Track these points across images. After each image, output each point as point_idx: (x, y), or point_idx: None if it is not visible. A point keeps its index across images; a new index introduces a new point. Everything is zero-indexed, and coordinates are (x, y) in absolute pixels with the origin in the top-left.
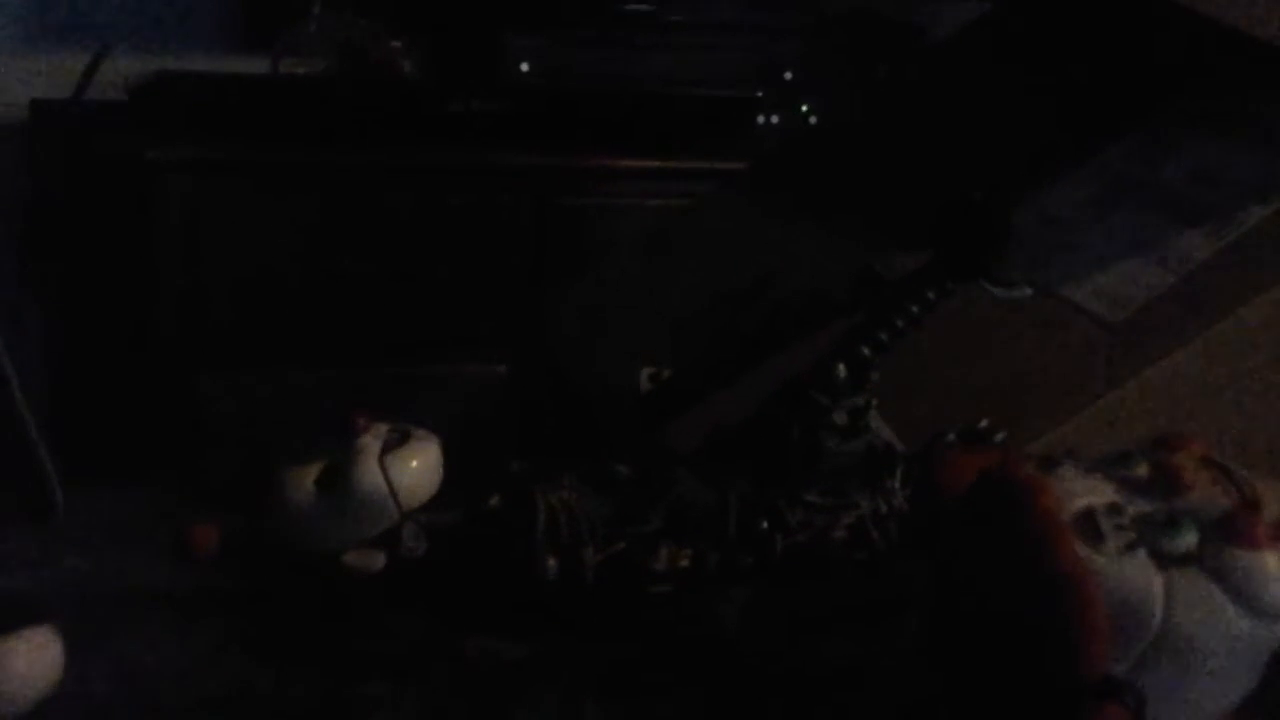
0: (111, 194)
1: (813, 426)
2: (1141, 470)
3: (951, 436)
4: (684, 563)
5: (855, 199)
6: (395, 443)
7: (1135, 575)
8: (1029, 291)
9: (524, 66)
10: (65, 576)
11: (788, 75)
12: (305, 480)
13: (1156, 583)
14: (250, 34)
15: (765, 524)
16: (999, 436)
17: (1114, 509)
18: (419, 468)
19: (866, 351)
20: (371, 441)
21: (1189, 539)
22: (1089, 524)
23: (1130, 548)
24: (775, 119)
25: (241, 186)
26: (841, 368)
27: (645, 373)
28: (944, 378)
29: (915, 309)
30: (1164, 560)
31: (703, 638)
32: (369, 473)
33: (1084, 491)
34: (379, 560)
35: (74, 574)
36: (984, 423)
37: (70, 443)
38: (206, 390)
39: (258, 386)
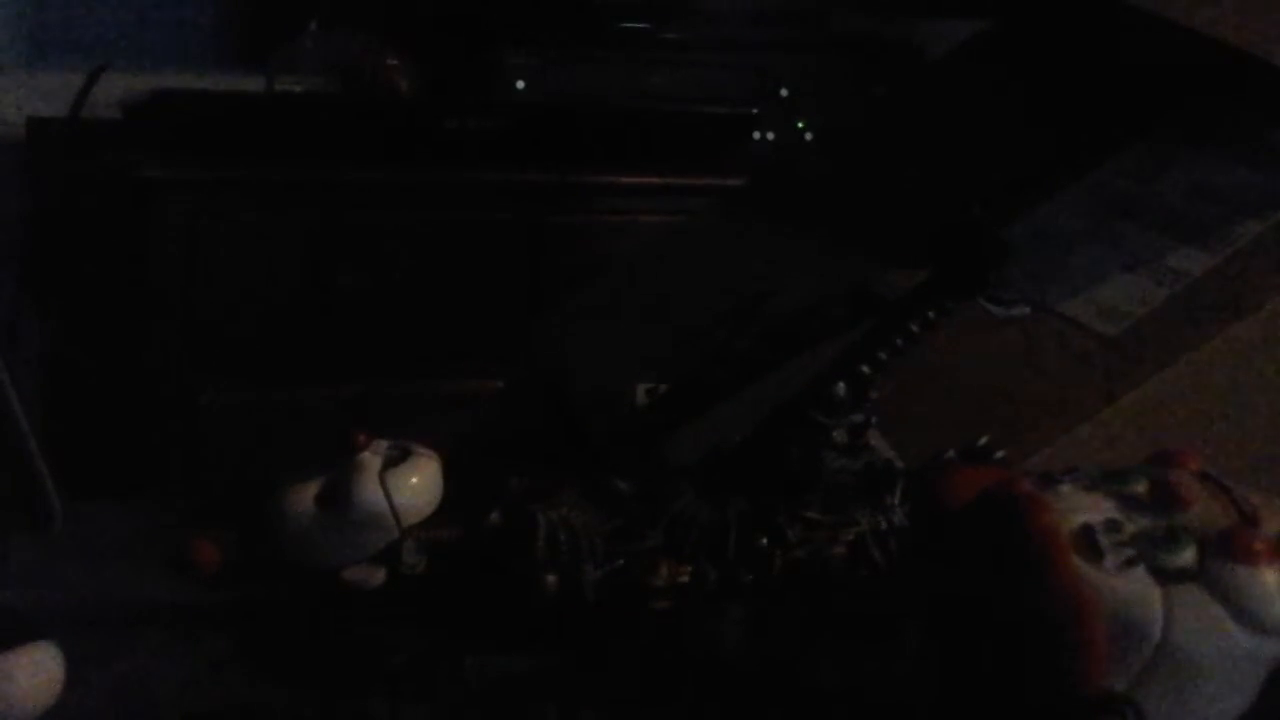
0: (109, 212)
1: (813, 444)
2: (1140, 486)
3: (951, 454)
4: (684, 579)
5: (853, 216)
6: (395, 459)
7: (1134, 591)
8: (1027, 310)
9: (520, 84)
10: (66, 592)
11: (784, 92)
12: (305, 497)
13: (1155, 598)
14: (246, 52)
15: (765, 540)
16: (999, 454)
17: (1113, 525)
18: (419, 484)
19: (866, 370)
20: (371, 458)
21: (1188, 555)
22: (1088, 540)
23: (1129, 564)
24: (772, 136)
25: (238, 204)
26: (841, 386)
27: (642, 389)
28: (942, 393)
29: (914, 327)
30: (1163, 576)
31: (702, 654)
32: (369, 489)
33: (1083, 508)
34: (379, 576)
35: (74, 590)
36: (984, 440)
37: (70, 459)
38: (206, 406)
39: (257, 403)
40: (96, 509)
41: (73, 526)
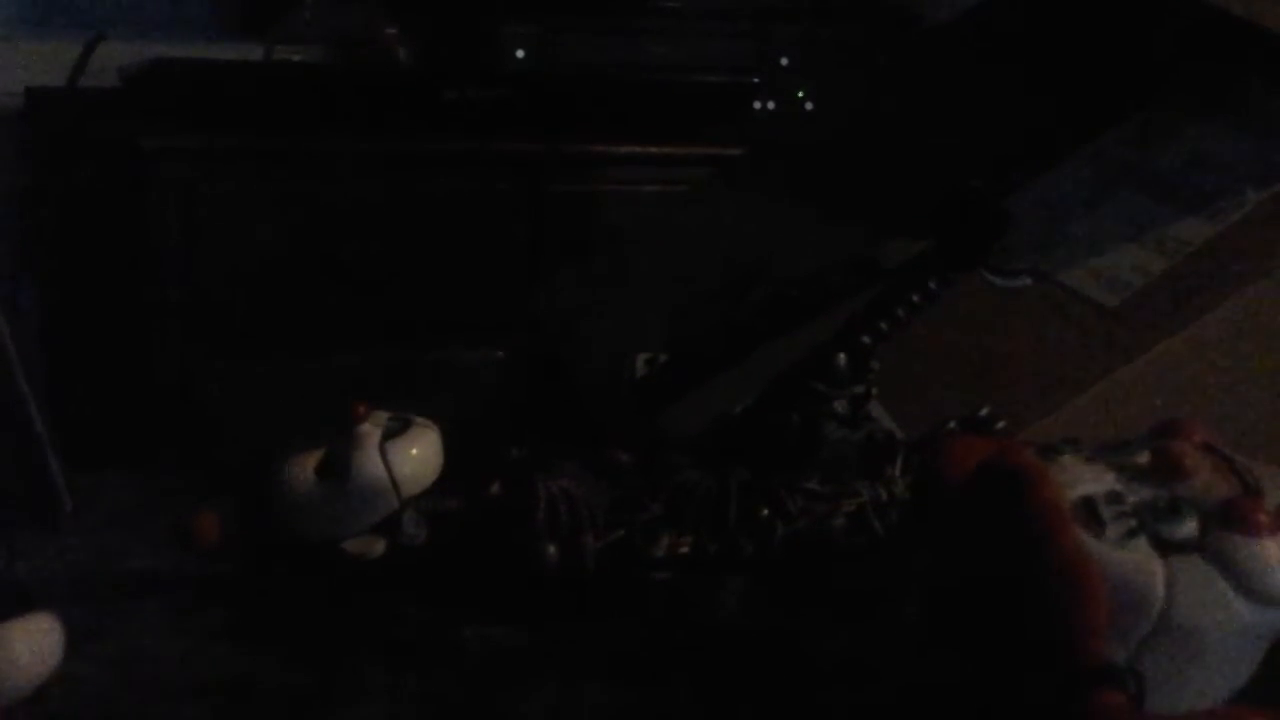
0: (108, 181)
1: (813, 415)
2: (1142, 458)
3: (952, 424)
4: (684, 550)
5: (854, 186)
6: (395, 430)
7: (1136, 562)
8: (1029, 280)
9: (519, 53)
10: (66, 563)
11: (785, 61)
12: (306, 468)
13: (1157, 570)
14: (245, 21)
15: (766, 511)
16: (999, 425)
17: (1115, 496)
18: (419, 455)
19: (867, 340)
20: (371, 429)
21: (1189, 526)
22: (1090, 511)
23: (1131, 535)
24: (772, 105)
25: (237, 173)
26: (842, 357)
27: (641, 358)
28: (943, 364)
29: (916, 298)
30: (1165, 547)
31: (703, 624)
32: (369, 460)
33: (1085, 479)
34: (379, 547)
35: (75, 561)
36: (985, 410)
37: (70, 431)
38: (205, 378)
39: (256, 374)
40: (97, 481)
41: (72, 499)
